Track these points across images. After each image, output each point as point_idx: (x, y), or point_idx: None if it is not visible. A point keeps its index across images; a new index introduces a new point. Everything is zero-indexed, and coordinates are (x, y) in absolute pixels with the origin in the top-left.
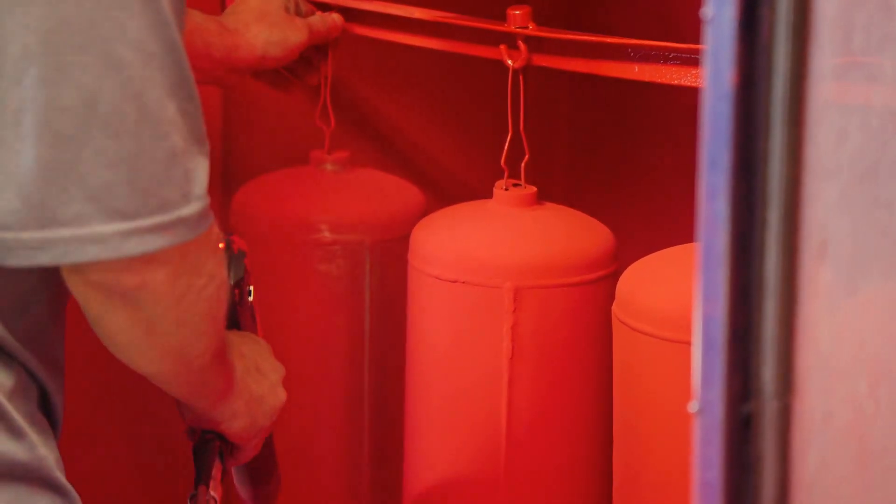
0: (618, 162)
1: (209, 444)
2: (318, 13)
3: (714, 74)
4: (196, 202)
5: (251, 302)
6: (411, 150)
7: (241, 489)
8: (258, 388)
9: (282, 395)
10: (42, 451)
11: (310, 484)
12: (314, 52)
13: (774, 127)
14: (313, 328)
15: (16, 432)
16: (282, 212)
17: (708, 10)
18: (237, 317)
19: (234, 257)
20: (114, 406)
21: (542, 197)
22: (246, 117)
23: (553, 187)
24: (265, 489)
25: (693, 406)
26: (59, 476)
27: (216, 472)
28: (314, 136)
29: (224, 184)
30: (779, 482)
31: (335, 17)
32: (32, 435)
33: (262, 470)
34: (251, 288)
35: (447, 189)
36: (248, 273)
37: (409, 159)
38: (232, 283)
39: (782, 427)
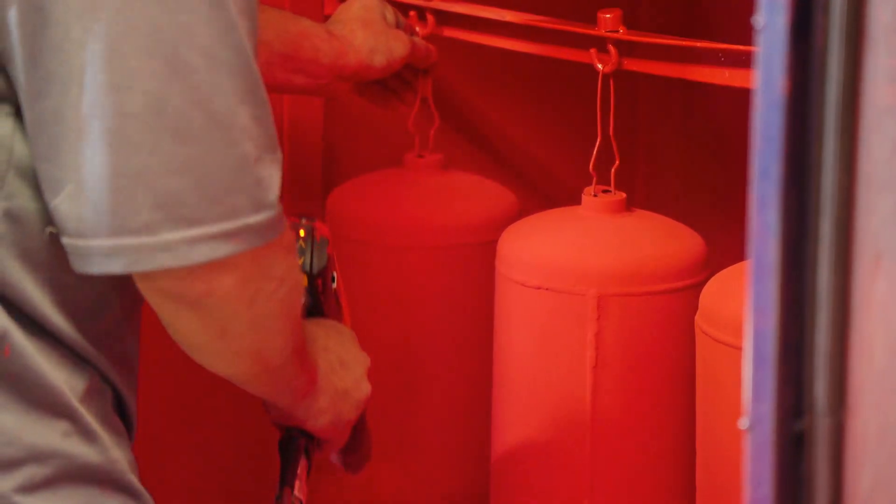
0: (730, 169)
1: (294, 441)
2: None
3: (766, 82)
4: (267, 210)
5: (335, 289)
6: (507, 153)
7: (332, 457)
8: (342, 382)
9: (366, 388)
10: (115, 453)
11: None
12: (412, 73)
13: (827, 136)
14: (399, 329)
15: (89, 435)
16: (374, 214)
17: (760, 18)
18: (321, 306)
19: (316, 245)
20: (190, 409)
21: (652, 204)
22: (345, 121)
23: (663, 194)
24: (355, 457)
25: (743, 422)
26: (133, 479)
27: (301, 470)
28: (410, 138)
29: (325, 188)
30: (832, 501)
31: (431, 49)
32: (105, 437)
33: (353, 442)
34: (335, 274)
35: (543, 192)
36: (331, 260)
37: (504, 162)
38: (315, 272)
39: (835, 444)
